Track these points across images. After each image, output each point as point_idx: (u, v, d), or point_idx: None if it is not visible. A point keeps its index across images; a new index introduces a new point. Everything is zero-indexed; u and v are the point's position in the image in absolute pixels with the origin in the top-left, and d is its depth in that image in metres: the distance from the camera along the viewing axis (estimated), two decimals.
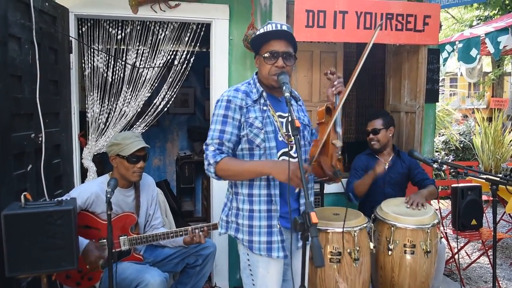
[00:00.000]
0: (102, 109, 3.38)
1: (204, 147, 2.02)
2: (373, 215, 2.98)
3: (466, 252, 4.67)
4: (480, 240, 4.13)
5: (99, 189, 2.58)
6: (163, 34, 3.46)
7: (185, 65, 3.56)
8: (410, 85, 3.66)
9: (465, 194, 3.93)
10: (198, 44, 3.53)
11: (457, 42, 5.60)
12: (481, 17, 9.02)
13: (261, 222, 2.04)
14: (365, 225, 2.77)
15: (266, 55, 2.00)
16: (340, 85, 2.09)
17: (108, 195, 2.16)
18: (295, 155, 2.06)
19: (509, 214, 5.31)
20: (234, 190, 2.12)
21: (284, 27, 2.01)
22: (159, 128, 5.68)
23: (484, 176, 2.89)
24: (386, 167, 3.26)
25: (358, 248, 2.68)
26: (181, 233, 2.70)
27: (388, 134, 3.28)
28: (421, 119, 3.51)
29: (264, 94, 2.06)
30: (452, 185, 4.07)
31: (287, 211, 2.03)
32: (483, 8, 8.31)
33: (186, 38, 3.52)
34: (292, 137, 2.06)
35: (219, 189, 3.62)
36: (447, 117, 8.45)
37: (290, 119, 1.77)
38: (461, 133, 8.12)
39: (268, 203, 2.03)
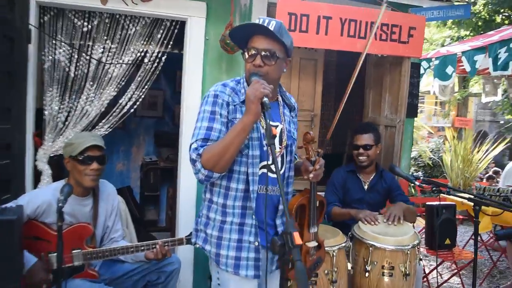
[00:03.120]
0: (61, 106, 3.07)
1: (188, 150, 1.77)
2: (350, 233, 2.80)
3: (439, 272, 4.58)
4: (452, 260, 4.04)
5: (52, 197, 2.28)
6: (133, 30, 3.20)
7: (156, 64, 3.30)
8: (391, 98, 3.54)
9: (440, 212, 3.83)
10: (171, 44, 3.29)
11: (433, 59, 5.59)
12: (453, 37, 9.17)
13: (231, 235, 1.84)
14: (343, 244, 2.59)
15: (246, 52, 1.82)
16: (317, 177, 1.88)
17: (60, 204, 1.88)
18: (275, 170, 1.86)
19: (479, 234, 5.27)
20: (208, 197, 1.91)
21: (273, 23, 1.78)
22: (124, 131, 5.36)
23: (467, 196, 2.77)
24: (366, 187, 3.13)
25: (336, 269, 2.49)
26: (142, 247, 2.44)
27: (377, 151, 3.13)
28: (401, 133, 3.39)
29: None
30: (427, 203, 3.98)
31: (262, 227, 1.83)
32: (456, 28, 8.45)
33: (159, 36, 3.27)
34: (280, 150, 1.90)
35: (186, 199, 3.37)
36: (416, 132, 8.50)
37: (266, 125, 1.61)
38: (430, 150, 8.17)
39: (242, 216, 1.83)
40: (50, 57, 3.03)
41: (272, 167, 1.85)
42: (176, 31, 3.31)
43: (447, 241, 3.91)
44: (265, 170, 1.84)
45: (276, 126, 1.92)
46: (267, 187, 1.83)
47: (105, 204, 2.57)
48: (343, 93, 3.30)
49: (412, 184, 2.77)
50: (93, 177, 2.40)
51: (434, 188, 2.81)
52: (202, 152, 1.69)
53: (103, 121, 3.19)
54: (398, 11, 3.36)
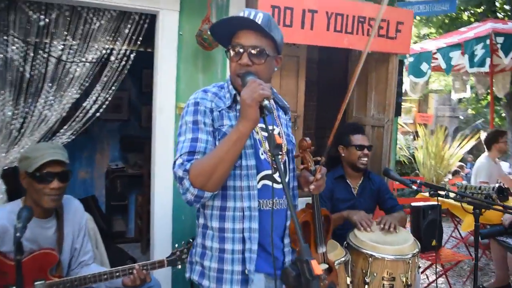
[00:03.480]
0: (16, 112, 2.69)
1: (172, 168, 1.48)
2: (345, 242, 2.59)
3: (426, 274, 4.47)
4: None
5: (7, 221, 1.92)
6: (97, 24, 2.84)
7: (124, 62, 2.96)
8: (378, 97, 3.36)
9: (426, 213, 3.71)
10: (140, 40, 2.97)
11: (407, 56, 5.50)
12: (418, 35, 9.23)
13: (234, 267, 1.54)
14: (343, 258, 2.37)
15: (229, 49, 1.55)
16: (319, 189, 1.65)
17: (18, 234, 1.54)
18: (279, 180, 1.60)
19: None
20: (202, 222, 1.61)
21: (260, 16, 1.52)
22: (86, 136, 4.91)
23: (467, 199, 2.62)
24: (355, 192, 2.94)
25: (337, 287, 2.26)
26: (118, 273, 2.11)
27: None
28: (390, 134, 3.22)
29: (239, 98, 1.57)
30: (412, 204, 3.84)
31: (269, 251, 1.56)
32: (423, 25, 8.48)
33: (126, 31, 2.93)
34: (281, 157, 1.63)
35: (161, 208, 3.05)
36: None
37: (267, 134, 1.36)
38: (400, 147, 8.16)
39: (243, 241, 1.54)
40: (1, 56, 2.64)
41: (276, 176, 1.59)
42: (146, 25, 2.99)
43: (434, 243, 3.80)
44: (267, 182, 1.57)
45: (272, 131, 1.66)
46: (273, 200, 1.57)
47: (72, 223, 2.22)
48: (325, 92, 3.09)
49: (415, 190, 2.57)
50: (54, 197, 2.04)
51: (432, 192, 2.65)
52: (189, 167, 1.40)
53: (65, 127, 2.82)
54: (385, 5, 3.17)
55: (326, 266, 1.74)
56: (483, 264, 4.95)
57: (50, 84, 2.75)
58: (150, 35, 3.05)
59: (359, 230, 2.62)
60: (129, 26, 2.94)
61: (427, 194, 4.63)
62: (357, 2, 3.01)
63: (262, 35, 1.52)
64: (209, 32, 2.82)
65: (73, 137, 2.89)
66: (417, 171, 7.26)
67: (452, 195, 2.59)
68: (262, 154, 1.58)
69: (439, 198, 4.03)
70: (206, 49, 2.89)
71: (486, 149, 4.93)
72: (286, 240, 1.65)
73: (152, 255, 3.08)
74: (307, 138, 1.73)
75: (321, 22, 2.93)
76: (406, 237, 2.63)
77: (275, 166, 1.57)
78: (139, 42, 2.98)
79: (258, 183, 1.55)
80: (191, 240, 2.46)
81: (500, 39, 4.66)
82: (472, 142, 7.09)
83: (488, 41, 4.63)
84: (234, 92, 1.58)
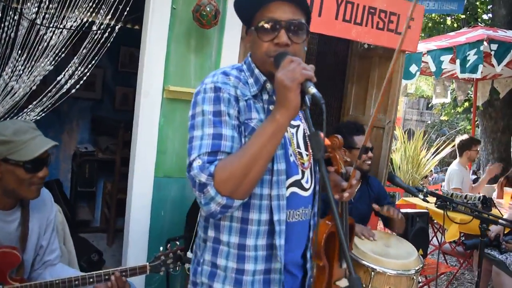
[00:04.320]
0: None
1: (187, 171, 1.17)
2: None
3: None
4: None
5: None
6: None
7: (107, 34, 2.61)
8: (379, 96, 3.15)
9: (414, 221, 3.56)
10: (127, 10, 2.62)
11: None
12: None
13: None
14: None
15: (260, 25, 1.23)
16: (351, 195, 1.40)
17: None
18: (307, 186, 1.34)
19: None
20: (212, 235, 1.29)
21: None
22: (53, 113, 4.47)
23: (474, 214, 2.47)
24: (353, 198, 2.71)
25: None
26: (91, 279, 1.80)
27: None
28: (391, 136, 3.02)
29: (269, 85, 1.29)
30: (401, 210, 3.69)
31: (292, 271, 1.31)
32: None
33: None
34: (308, 159, 1.38)
35: (139, 198, 2.73)
36: None
37: (310, 131, 1.12)
38: None
39: (267, 259, 1.26)
40: None
41: (303, 182, 1.33)
42: None
43: (420, 252, 3.67)
44: (295, 189, 1.30)
45: (297, 126, 1.40)
46: (302, 210, 1.32)
47: (39, 217, 1.88)
48: (325, 85, 2.85)
49: (422, 199, 2.39)
50: (40, 186, 1.75)
51: (439, 203, 2.49)
52: (215, 170, 1.11)
53: (35, 103, 2.45)
54: None
55: (347, 283, 1.51)
56: (459, 274, 4.90)
57: (20, 52, 2.36)
58: (137, 7, 2.71)
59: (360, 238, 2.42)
60: None
61: (408, 199, 4.54)
62: None
63: (298, 8, 1.24)
64: (208, 8, 2.53)
65: (43, 114, 2.53)
66: (392, 172, 7.19)
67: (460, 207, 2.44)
68: (291, 155, 1.31)
69: (429, 206, 3.95)
70: (203, 27, 2.58)
71: (457, 155, 4.90)
72: (309, 254, 1.39)
73: (126, 254, 2.75)
74: (339, 136, 1.48)
75: (330, 9, 2.69)
76: (409, 251, 2.46)
77: (305, 169, 1.34)
78: (125, 13, 2.64)
79: (286, 191, 1.28)
80: (177, 242, 2.18)
81: (494, 46, 4.58)
82: (449, 149, 7.08)
83: (482, 47, 4.54)
84: (264, 78, 1.29)
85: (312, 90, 1.07)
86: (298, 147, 1.34)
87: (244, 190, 1.13)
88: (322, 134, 1.08)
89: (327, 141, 1.16)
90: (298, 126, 1.39)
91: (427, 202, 2.50)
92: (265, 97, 1.28)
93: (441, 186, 5.87)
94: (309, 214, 1.36)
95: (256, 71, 1.30)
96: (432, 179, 9.73)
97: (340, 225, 0.94)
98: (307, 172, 1.35)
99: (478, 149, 5.11)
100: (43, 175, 1.73)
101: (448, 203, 2.46)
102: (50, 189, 4.09)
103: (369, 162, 2.67)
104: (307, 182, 1.34)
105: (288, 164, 1.28)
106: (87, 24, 2.55)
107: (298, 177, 1.31)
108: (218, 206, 1.11)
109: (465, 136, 5.09)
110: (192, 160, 1.14)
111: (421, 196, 2.43)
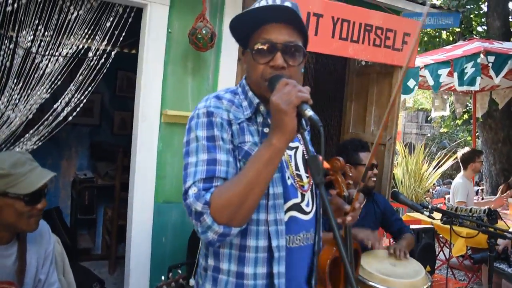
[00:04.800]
0: None
1: (183, 199, 1.14)
2: None
3: None
4: None
5: None
6: (75, 14, 2.48)
7: (103, 60, 2.61)
8: (379, 112, 3.14)
9: (420, 237, 3.51)
10: (122, 36, 2.62)
11: None
12: None
13: None
14: None
15: (256, 47, 1.21)
16: (355, 219, 1.40)
17: None
18: (307, 210, 1.30)
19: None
20: (212, 264, 1.25)
21: (287, 3, 1.21)
22: (52, 140, 4.45)
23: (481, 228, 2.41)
24: (359, 215, 2.67)
25: None
26: None
27: None
28: (392, 152, 2.98)
29: (262, 108, 1.26)
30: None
31: None
32: None
33: (108, 24, 2.58)
34: (309, 181, 1.34)
35: (140, 225, 2.69)
36: None
37: (309, 154, 1.12)
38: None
39: None
40: None
41: (303, 205, 1.28)
42: (130, 19, 2.65)
43: (428, 268, 3.60)
44: (294, 213, 1.26)
45: (296, 148, 1.36)
46: (302, 234, 1.27)
47: (37, 249, 1.83)
48: (324, 103, 2.83)
49: (427, 216, 2.35)
50: (39, 218, 1.71)
51: (445, 219, 2.44)
52: (210, 198, 1.07)
53: (31, 131, 2.43)
54: (393, 14, 2.97)
55: None
56: None
57: (16, 80, 2.35)
58: (133, 32, 2.71)
59: (367, 246, 2.37)
60: (111, 19, 2.59)
61: (412, 214, 4.47)
62: (365, 9, 2.78)
63: (295, 30, 1.22)
64: (204, 31, 2.52)
65: (40, 143, 2.50)
66: (395, 189, 7.13)
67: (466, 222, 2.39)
68: (288, 178, 1.27)
69: (435, 219, 3.90)
70: (199, 49, 2.58)
71: (462, 168, 4.85)
72: (313, 281, 1.34)
73: (127, 283, 2.69)
74: (341, 158, 1.44)
75: (326, 27, 2.68)
76: (417, 269, 2.38)
77: (305, 192, 1.30)
78: (121, 39, 2.64)
79: (285, 215, 1.24)
80: (179, 270, 2.12)
81: (491, 58, 4.58)
82: (450, 162, 7.04)
83: (479, 60, 4.54)
84: (257, 100, 1.26)
85: (309, 112, 1.03)
86: (297, 169, 1.31)
87: (242, 217, 1.09)
88: (321, 158, 1.04)
89: (326, 165, 1.12)
90: (296, 148, 1.35)
91: (433, 218, 2.44)
92: (259, 119, 1.25)
93: (445, 199, 5.81)
94: (311, 239, 1.31)
95: (250, 93, 1.27)
96: (435, 191, 9.66)
97: (344, 250, 0.90)
98: (308, 195, 1.31)
99: (482, 160, 5.07)
100: (42, 206, 1.69)
101: (454, 218, 2.41)
102: (50, 218, 4.07)
103: (374, 178, 2.63)
104: (307, 205, 1.29)
105: (286, 188, 1.24)
106: (83, 51, 2.55)
107: (298, 200, 1.27)
108: (215, 234, 1.08)
109: (467, 149, 5.06)
110: (188, 188, 1.11)
111: (426, 212, 2.38)
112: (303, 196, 1.29)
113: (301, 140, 1.39)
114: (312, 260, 1.34)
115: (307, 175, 1.34)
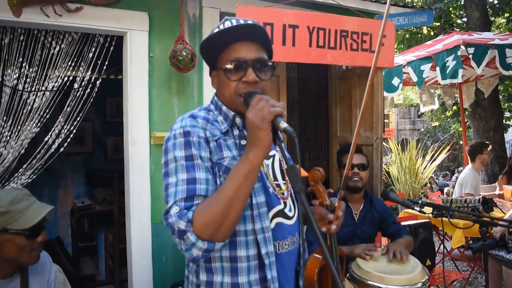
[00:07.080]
0: None
1: (164, 219, 1.20)
2: (348, 274, 2.36)
3: None
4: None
5: None
6: (57, 48, 2.55)
7: (89, 89, 2.67)
8: (364, 114, 3.20)
9: (417, 232, 3.54)
10: (106, 64, 2.69)
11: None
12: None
13: None
14: None
15: (227, 66, 1.27)
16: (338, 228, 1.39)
17: None
18: (290, 215, 1.35)
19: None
20: (204, 279, 1.29)
21: (250, 22, 1.31)
22: (47, 171, 4.49)
23: (474, 218, 2.47)
24: (357, 218, 2.72)
25: None
26: None
27: (367, 175, 2.74)
28: (380, 152, 3.04)
29: (238, 120, 1.32)
30: (403, 223, 3.68)
31: None
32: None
33: (91, 55, 2.65)
34: (286, 188, 1.40)
35: (140, 246, 2.72)
36: None
37: (287, 164, 1.12)
38: None
39: None
40: None
41: (287, 211, 1.34)
42: (111, 48, 2.72)
43: (428, 262, 3.64)
44: (279, 219, 1.32)
45: (273, 156, 1.42)
46: (288, 239, 1.33)
47: (39, 281, 1.87)
48: (310, 110, 2.90)
49: (418, 211, 2.40)
50: (40, 250, 1.75)
51: (436, 212, 2.49)
52: (193, 216, 1.12)
53: (25, 166, 2.48)
54: (367, 18, 3.05)
55: None
56: (472, 278, 4.83)
57: (5, 118, 2.41)
58: (116, 59, 2.78)
59: (365, 259, 2.40)
60: (93, 49, 2.66)
61: (409, 210, 4.51)
62: (338, 15, 2.87)
63: (261, 46, 1.30)
64: (184, 53, 2.59)
65: (34, 176, 2.55)
66: (393, 187, 7.19)
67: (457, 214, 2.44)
68: (270, 188, 1.33)
69: (426, 213, 3.95)
70: (181, 71, 2.65)
71: (470, 160, 4.90)
72: (301, 282, 1.39)
73: None
74: (320, 168, 1.49)
75: (303, 38, 2.76)
76: (413, 264, 2.42)
77: (285, 199, 1.35)
78: (105, 67, 2.71)
79: (271, 222, 1.29)
80: None
81: (471, 50, 4.67)
82: (444, 154, 7.11)
83: (459, 52, 4.63)
84: (232, 113, 1.32)
85: (283, 125, 1.09)
86: (275, 179, 1.36)
87: (224, 232, 1.14)
88: (298, 166, 1.09)
89: (304, 173, 1.17)
90: (273, 156, 1.41)
91: (424, 213, 2.49)
92: (236, 132, 1.31)
93: (441, 193, 5.86)
94: (297, 242, 1.37)
95: (224, 108, 1.33)
96: (436, 182, 9.67)
97: (329, 258, 0.95)
98: (289, 201, 1.37)
99: (489, 152, 5.10)
100: (43, 239, 1.73)
101: (444, 211, 2.45)
102: (51, 248, 4.08)
103: (356, 178, 2.67)
104: (290, 210, 1.35)
105: (268, 195, 1.29)
106: (68, 83, 2.61)
107: (281, 207, 1.32)
108: (200, 251, 1.12)
109: (475, 142, 5.13)
110: (169, 208, 1.15)
111: (416, 208, 2.43)
112: (285, 202, 1.35)
113: (277, 147, 1.44)
114: (298, 261, 1.39)
115: (284, 181, 1.39)
